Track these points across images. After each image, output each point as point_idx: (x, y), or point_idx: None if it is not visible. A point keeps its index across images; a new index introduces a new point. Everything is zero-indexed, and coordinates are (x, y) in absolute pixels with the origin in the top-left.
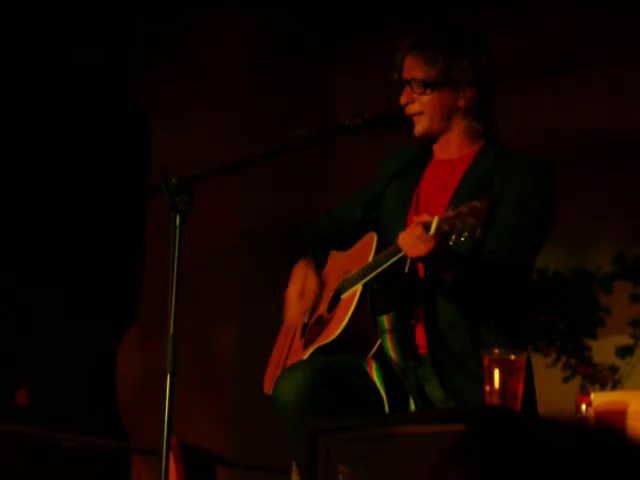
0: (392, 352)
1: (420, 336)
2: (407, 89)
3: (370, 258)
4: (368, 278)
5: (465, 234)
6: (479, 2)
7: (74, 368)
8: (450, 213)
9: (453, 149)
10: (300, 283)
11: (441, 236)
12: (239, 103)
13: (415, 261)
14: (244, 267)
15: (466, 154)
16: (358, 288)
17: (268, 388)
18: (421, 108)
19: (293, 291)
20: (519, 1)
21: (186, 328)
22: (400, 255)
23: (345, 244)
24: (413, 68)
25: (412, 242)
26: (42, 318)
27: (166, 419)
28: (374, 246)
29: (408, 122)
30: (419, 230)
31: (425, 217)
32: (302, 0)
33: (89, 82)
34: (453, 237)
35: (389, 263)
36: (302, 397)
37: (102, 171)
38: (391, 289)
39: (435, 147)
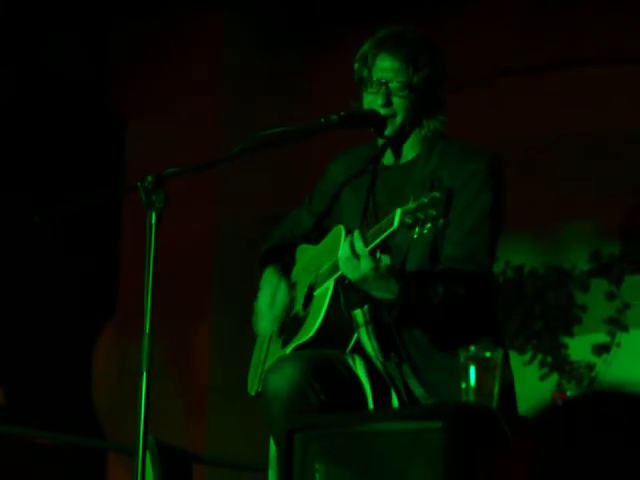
0: (370, 347)
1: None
2: (383, 90)
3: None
4: (338, 274)
5: (428, 225)
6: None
7: (50, 366)
8: (411, 205)
9: (407, 151)
10: (270, 292)
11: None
12: (216, 102)
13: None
14: (219, 263)
15: (416, 155)
16: (330, 284)
17: (250, 389)
18: (396, 109)
19: (263, 301)
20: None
21: (162, 325)
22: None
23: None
24: (393, 69)
25: (347, 259)
26: (18, 316)
27: (142, 417)
28: (342, 239)
29: (382, 121)
30: (351, 248)
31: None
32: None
33: (65, 81)
34: (417, 229)
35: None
36: (295, 389)
37: (78, 169)
38: None
39: (388, 150)
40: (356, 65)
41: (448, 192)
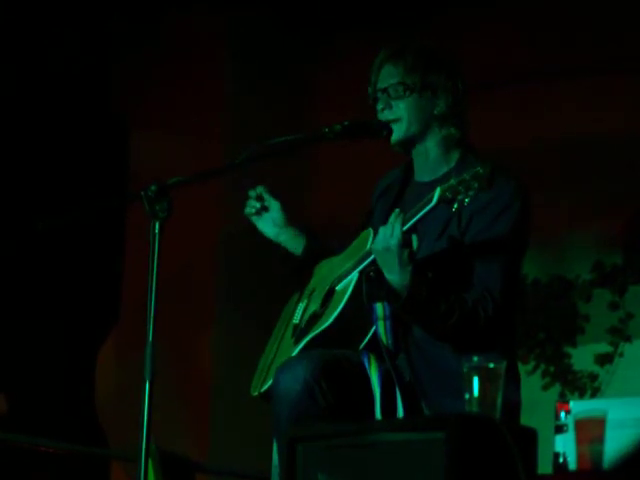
0: (385, 340)
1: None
2: (383, 97)
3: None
4: (364, 264)
5: (467, 200)
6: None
7: (53, 374)
8: (452, 182)
9: (431, 165)
10: None
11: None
12: (220, 109)
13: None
14: (222, 271)
15: (443, 173)
16: (354, 276)
17: (253, 390)
18: (398, 114)
19: None
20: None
21: (165, 334)
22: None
23: None
24: (391, 76)
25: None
26: (21, 324)
27: (145, 426)
28: (371, 239)
29: (387, 130)
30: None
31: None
32: (283, 2)
33: (69, 89)
34: (456, 205)
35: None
36: (305, 390)
37: (83, 176)
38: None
39: (414, 165)
40: (369, 89)
41: (492, 167)
